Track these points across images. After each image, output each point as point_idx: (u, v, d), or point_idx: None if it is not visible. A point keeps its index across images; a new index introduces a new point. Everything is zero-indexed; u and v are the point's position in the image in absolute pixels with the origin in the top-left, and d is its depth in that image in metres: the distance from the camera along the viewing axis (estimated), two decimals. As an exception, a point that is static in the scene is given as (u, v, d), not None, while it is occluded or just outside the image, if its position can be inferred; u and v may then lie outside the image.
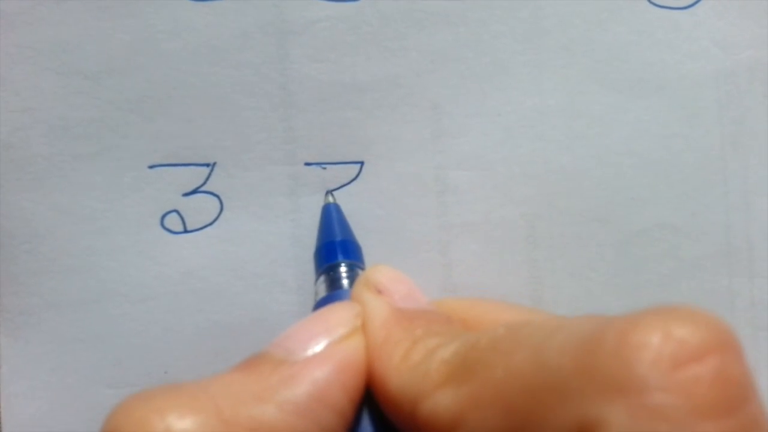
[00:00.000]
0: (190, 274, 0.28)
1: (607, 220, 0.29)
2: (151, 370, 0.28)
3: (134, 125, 0.28)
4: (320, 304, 0.25)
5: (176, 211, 0.28)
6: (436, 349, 0.20)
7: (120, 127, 0.28)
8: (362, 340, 0.22)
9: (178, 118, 0.28)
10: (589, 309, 0.29)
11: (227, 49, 0.28)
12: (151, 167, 0.28)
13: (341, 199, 0.29)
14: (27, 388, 0.28)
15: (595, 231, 0.29)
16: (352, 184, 0.29)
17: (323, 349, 0.21)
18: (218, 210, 0.29)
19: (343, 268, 0.26)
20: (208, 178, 0.28)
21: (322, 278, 0.27)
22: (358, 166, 0.29)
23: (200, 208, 0.28)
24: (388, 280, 0.23)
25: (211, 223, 0.29)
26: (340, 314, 0.22)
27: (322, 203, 0.29)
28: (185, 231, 0.28)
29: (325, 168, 0.29)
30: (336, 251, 0.27)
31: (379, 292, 0.23)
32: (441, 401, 0.19)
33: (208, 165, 0.28)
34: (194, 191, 0.28)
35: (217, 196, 0.29)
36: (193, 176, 0.28)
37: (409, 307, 0.23)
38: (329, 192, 0.29)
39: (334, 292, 0.26)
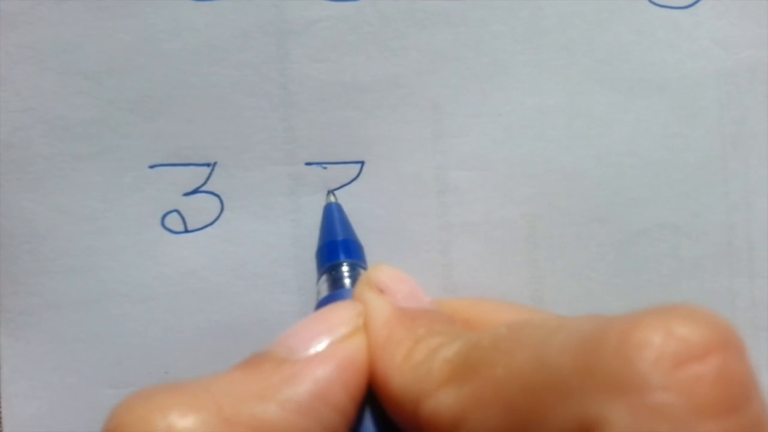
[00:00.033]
0: (190, 274, 0.28)
1: (608, 220, 0.29)
2: (151, 370, 0.28)
3: (134, 125, 0.28)
4: (322, 303, 0.25)
5: (177, 210, 0.28)
6: (438, 348, 0.20)
7: (120, 127, 0.28)
8: (364, 339, 0.21)
9: (179, 118, 0.28)
10: (589, 309, 0.29)
11: (227, 49, 0.28)
12: (151, 167, 0.28)
13: (342, 198, 0.29)
14: (27, 388, 0.28)
15: (595, 231, 0.29)
16: (352, 184, 0.29)
17: (325, 348, 0.21)
18: (219, 210, 0.29)
19: (345, 268, 0.26)
20: (208, 178, 0.28)
21: (324, 277, 0.27)
22: (359, 165, 0.29)
23: (201, 207, 0.28)
24: (391, 279, 0.23)
25: (211, 223, 0.29)
26: (342, 313, 0.22)
27: (322, 203, 0.29)
28: (186, 231, 0.28)
29: (325, 168, 0.29)
30: (338, 251, 0.27)
31: (382, 291, 0.23)
32: (443, 400, 0.19)
33: (208, 165, 0.28)
34: (195, 191, 0.28)
35: (218, 196, 0.29)
36: (194, 176, 0.28)
37: (412, 306, 0.23)
38: (331, 191, 0.29)
39: (336, 292, 0.26)
